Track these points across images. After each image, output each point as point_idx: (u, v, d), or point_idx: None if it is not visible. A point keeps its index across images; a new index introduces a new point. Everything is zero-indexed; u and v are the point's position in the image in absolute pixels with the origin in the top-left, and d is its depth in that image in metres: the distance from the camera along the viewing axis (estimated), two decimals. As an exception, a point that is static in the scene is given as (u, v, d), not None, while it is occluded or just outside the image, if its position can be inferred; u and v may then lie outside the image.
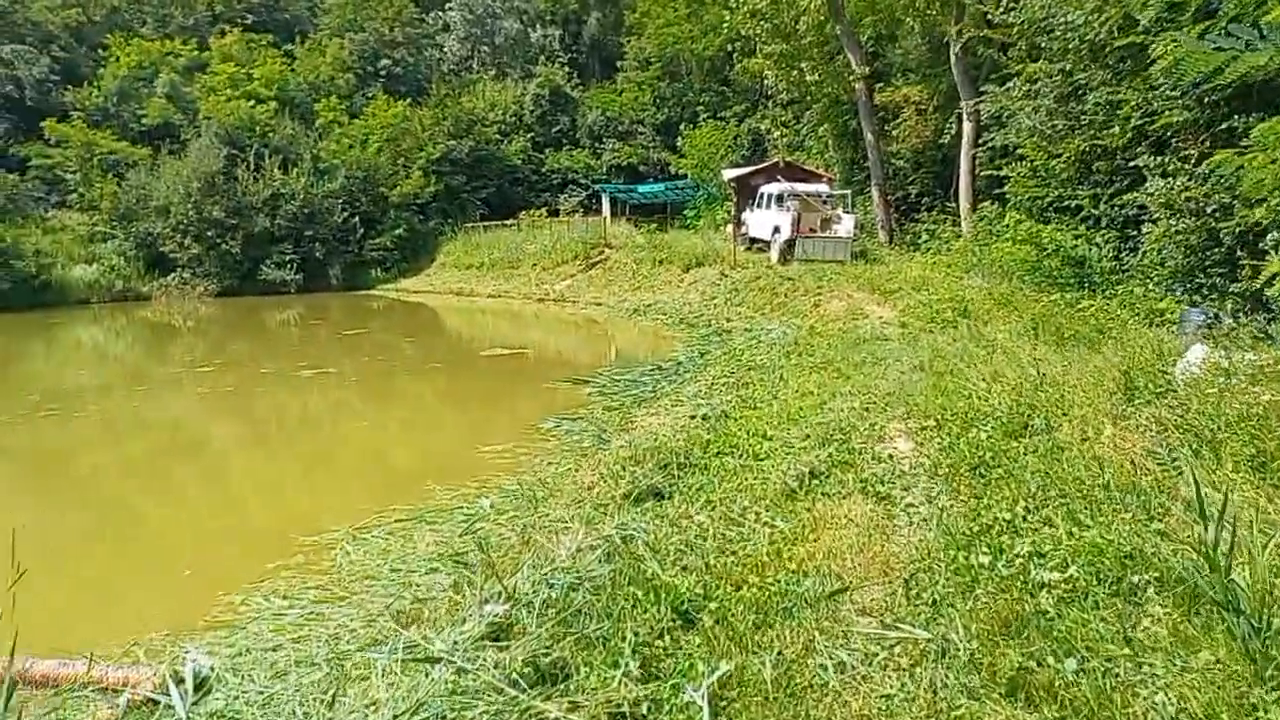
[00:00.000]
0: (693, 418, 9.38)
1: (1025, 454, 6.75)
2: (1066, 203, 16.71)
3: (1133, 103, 14.20)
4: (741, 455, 7.86)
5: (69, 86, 46.72)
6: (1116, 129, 14.67)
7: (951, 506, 5.90)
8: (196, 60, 49.55)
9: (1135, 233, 14.97)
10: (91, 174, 42.45)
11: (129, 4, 53.67)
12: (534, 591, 4.58)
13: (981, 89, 22.29)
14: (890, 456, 7.41)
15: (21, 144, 45.01)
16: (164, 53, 49.16)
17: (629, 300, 27.64)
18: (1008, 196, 19.50)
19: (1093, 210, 16.01)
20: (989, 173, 20.98)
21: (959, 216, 25.24)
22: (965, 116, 24.60)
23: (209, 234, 41.63)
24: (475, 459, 9.61)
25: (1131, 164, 14.97)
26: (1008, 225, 16.77)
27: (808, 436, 8.04)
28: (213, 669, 4.43)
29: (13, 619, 3.98)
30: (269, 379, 18.45)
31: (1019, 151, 18.28)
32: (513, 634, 4.15)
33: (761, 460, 7.64)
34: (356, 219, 44.49)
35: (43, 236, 41.54)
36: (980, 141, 23.32)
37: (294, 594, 5.88)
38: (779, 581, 4.81)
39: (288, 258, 42.73)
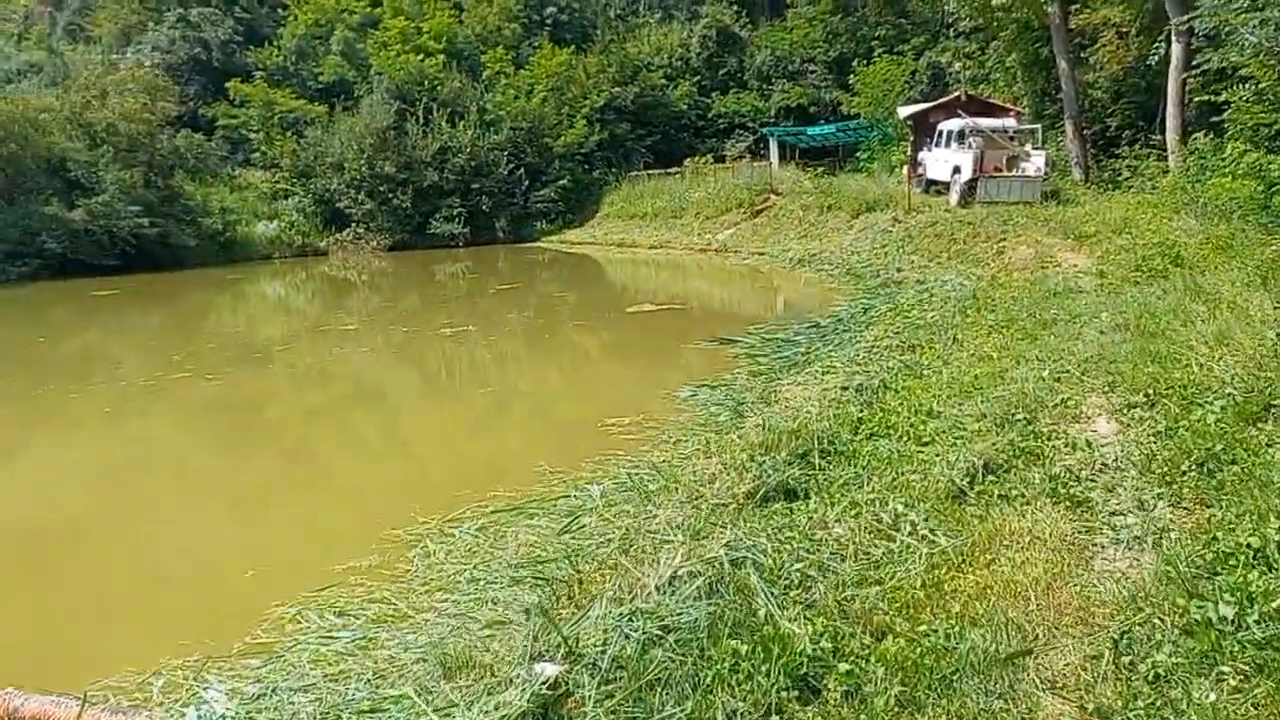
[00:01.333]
0: (845, 389, 8.17)
1: (1271, 446, 5.27)
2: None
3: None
4: (900, 438, 6.66)
5: (251, 47, 48.52)
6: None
7: (1174, 521, 4.57)
8: (370, 16, 50.45)
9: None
10: (273, 132, 44.10)
11: (308, -37, 55.13)
12: (604, 643, 3.63)
13: (1194, 3, 19.47)
14: (1088, 444, 6.04)
15: (209, 105, 47.15)
16: (339, 10, 50.29)
17: (793, 250, 26.18)
18: (1226, 126, 16.94)
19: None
20: (1203, 99, 18.29)
21: (1165, 150, 22.45)
22: (1175, 36, 21.70)
23: (381, 189, 42.65)
24: (599, 433, 8.77)
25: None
26: (1228, 158, 14.39)
27: (983, 416, 6.74)
28: (224, 717, 3.75)
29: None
30: (410, 338, 18.31)
31: (1241, 73, 15.70)
32: (565, 709, 3.24)
33: (924, 446, 6.42)
34: (522, 170, 44.51)
35: (229, 194, 43.62)
36: (1193, 65, 20.47)
37: (353, 608, 5.16)
38: (936, 632, 3.69)
39: (455, 211, 43.27)
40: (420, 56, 46.08)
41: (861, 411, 7.31)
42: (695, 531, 4.90)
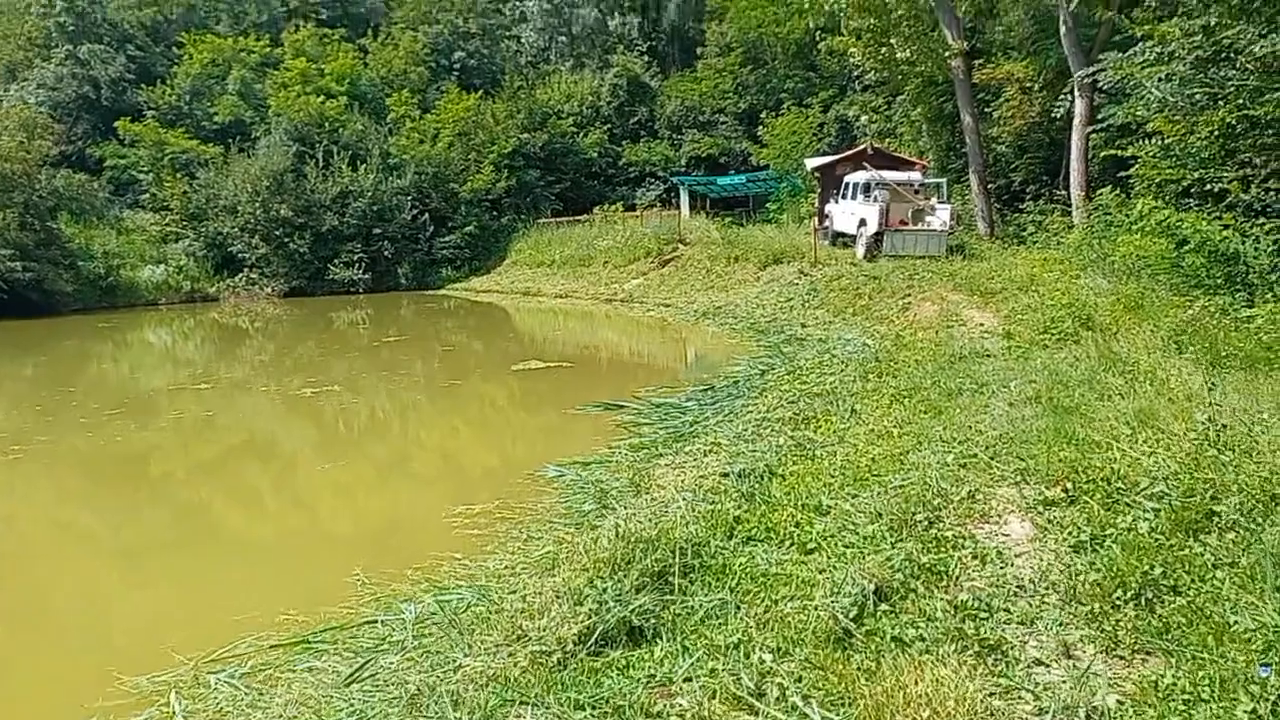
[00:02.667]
0: (726, 474, 7.09)
1: (1218, 568, 4.32)
2: (1209, 187, 13.81)
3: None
4: (781, 543, 5.57)
5: (143, 86, 46.47)
6: (1284, 92, 11.79)
7: (1111, 680, 3.54)
8: (269, 57, 48.90)
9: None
10: (163, 173, 42.00)
11: (205, 1, 53.36)
12: None
13: (1098, 59, 19.35)
14: (999, 555, 5.03)
15: (97, 144, 44.93)
16: (236, 50, 48.64)
17: (699, 302, 25.33)
18: (1132, 181, 16.63)
19: (1242, 195, 13.09)
20: (1108, 154, 18.02)
21: (1069, 205, 22.26)
22: (1078, 91, 21.62)
23: (277, 233, 40.89)
24: (442, 528, 7.51)
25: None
26: (1137, 214, 13.92)
27: (878, 515, 5.70)
28: None
29: None
30: (265, 398, 16.64)
31: (1150, 127, 15.37)
32: None
33: (808, 555, 5.33)
34: (426, 216, 43.21)
35: (115, 237, 41.33)
36: (1097, 120, 20.33)
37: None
38: None
39: (356, 257, 41.66)
40: (321, 98, 44.59)
41: (740, 508, 6.20)
42: (488, 713, 3.68)
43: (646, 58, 53.19)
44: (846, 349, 13.30)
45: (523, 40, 57.16)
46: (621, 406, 11.54)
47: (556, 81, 51.61)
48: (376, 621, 5.51)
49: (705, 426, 9.64)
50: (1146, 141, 15.33)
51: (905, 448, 7.25)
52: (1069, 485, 5.78)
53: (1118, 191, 17.54)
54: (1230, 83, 13.55)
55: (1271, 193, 12.94)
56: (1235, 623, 3.77)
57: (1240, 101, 13.37)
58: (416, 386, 17.35)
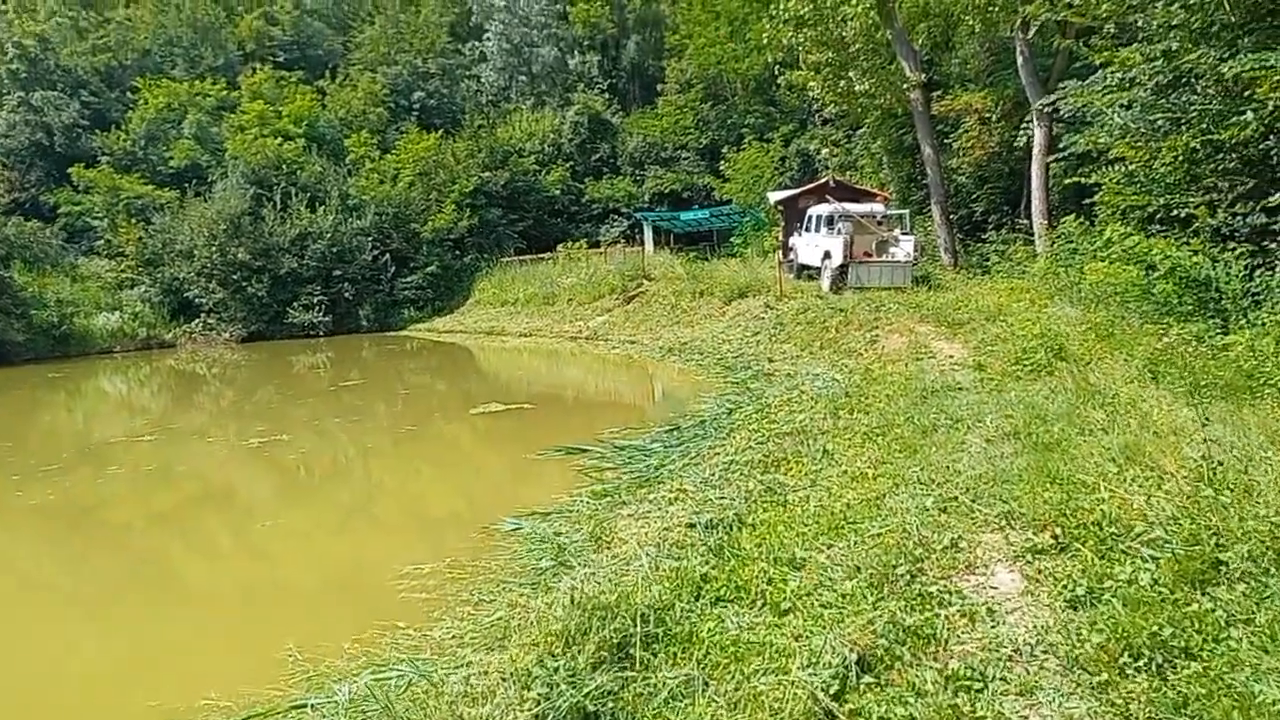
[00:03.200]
0: (692, 525, 6.62)
1: (1232, 625, 3.92)
2: (1175, 212, 13.67)
3: (1274, 80, 11.16)
4: (753, 605, 5.11)
5: (98, 132, 45.71)
6: (1250, 115, 11.63)
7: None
8: (225, 100, 48.40)
9: (1276, 245, 11.96)
10: (118, 219, 41.23)
11: (160, 46, 52.76)
12: None
13: (1057, 87, 19.36)
14: (990, 612, 4.61)
15: (51, 191, 44.09)
16: (192, 94, 48.10)
17: (664, 338, 24.96)
18: (1096, 209, 16.51)
19: (1209, 220, 12.95)
20: (1071, 182, 17.95)
21: (1032, 234, 22.20)
22: (1037, 121, 21.64)
23: (234, 277, 40.22)
24: (386, 593, 6.98)
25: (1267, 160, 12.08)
26: (1105, 240, 13.74)
27: (857, 569, 5.26)
28: None
29: None
30: (206, 450, 15.94)
31: (1112, 153, 15.27)
32: None
33: (782, 617, 4.88)
34: (387, 257, 42.76)
35: (70, 285, 40.37)
36: (1058, 148, 20.33)
37: None
38: None
39: (316, 299, 41.00)
40: (279, 140, 44.09)
41: (707, 563, 5.74)
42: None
43: (607, 95, 53.30)
44: (815, 384, 12.92)
45: (483, 80, 57.10)
46: (584, 451, 11.06)
47: (517, 120, 51.50)
48: (306, 705, 4.97)
49: (671, 470, 9.18)
50: (1110, 168, 15.22)
51: (881, 490, 6.84)
52: (1058, 531, 5.40)
53: (1081, 219, 17.43)
54: (1193, 108, 13.46)
55: (1238, 217, 12.79)
56: (1260, 694, 3.37)
57: (1204, 126, 13.27)
58: (373, 433, 16.67)
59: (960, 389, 10.71)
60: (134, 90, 48.59)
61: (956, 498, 6.33)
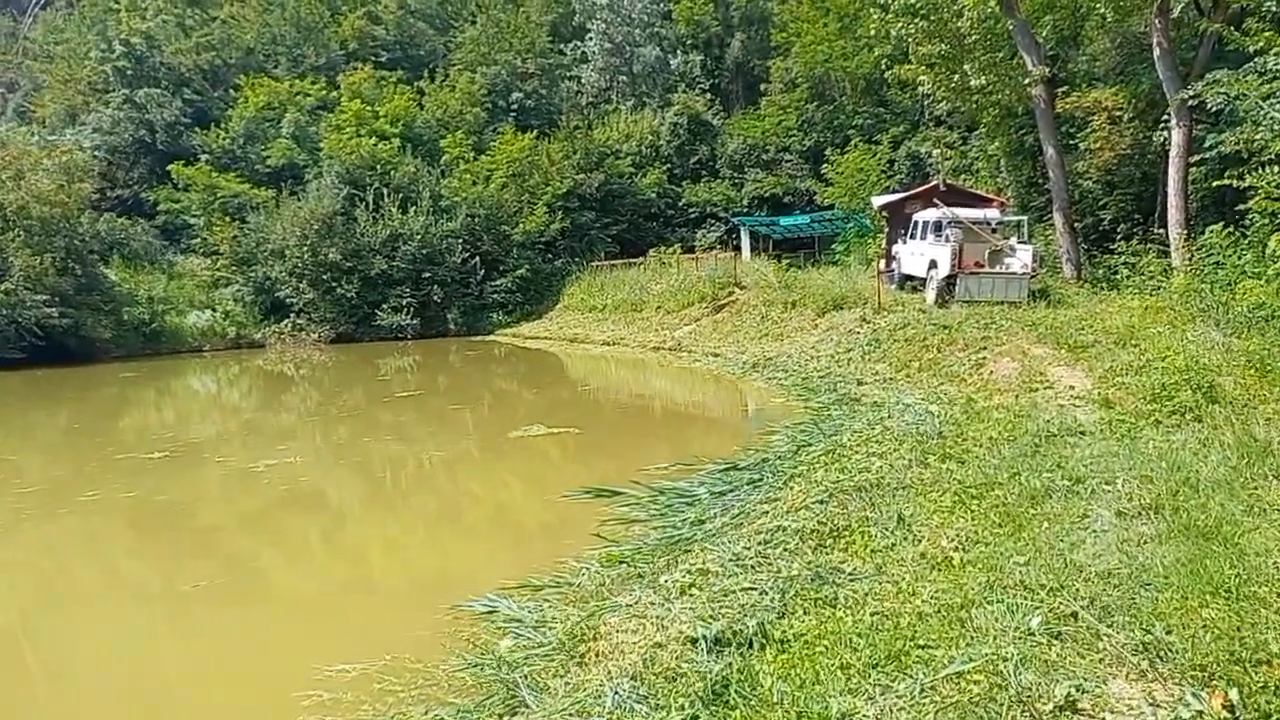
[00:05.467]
0: (693, 640, 4.88)
1: None
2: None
3: None
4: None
5: (199, 129, 46.23)
6: None
7: None
8: (325, 100, 48.38)
9: None
10: (214, 217, 41.43)
11: (264, 45, 53.22)
12: None
13: (1199, 81, 16.92)
14: None
15: (152, 189, 44.73)
16: (292, 93, 48.26)
17: (749, 352, 23.13)
18: (1251, 217, 14.12)
19: (1401, 232, 10.59)
20: (1217, 185, 15.47)
21: (1167, 246, 19.66)
22: (1175, 119, 19.12)
23: (324, 277, 39.95)
24: (279, 715, 5.43)
25: None
26: (1270, 253, 11.43)
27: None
28: None
29: None
30: (214, 471, 14.51)
31: (1271, 152, 12.90)
32: None
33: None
34: (477, 259, 41.84)
35: (167, 282, 40.78)
36: (1203, 148, 17.85)
37: None
38: None
39: (405, 301, 40.43)
40: (374, 140, 43.79)
41: (702, 709, 4.08)
42: None
43: (709, 95, 51.55)
44: (905, 418, 11.01)
45: (583, 80, 56.05)
46: (616, 494, 9.40)
47: (615, 121, 50.22)
48: None
49: (706, 530, 7.47)
50: (1267, 170, 12.83)
51: (969, 591, 5.03)
52: (1232, 696, 3.55)
53: (1230, 229, 15.00)
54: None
55: None
56: None
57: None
58: (398, 458, 14.92)
59: (1082, 434, 8.72)
60: (235, 88, 48.95)
61: (1075, 614, 4.50)
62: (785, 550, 6.28)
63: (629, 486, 9.50)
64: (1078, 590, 4.87)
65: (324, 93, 48.72)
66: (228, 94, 49.32)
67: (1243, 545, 5.01)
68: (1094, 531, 5.78)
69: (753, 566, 6.07)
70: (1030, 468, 7.41)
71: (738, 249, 40.33)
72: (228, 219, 41.40)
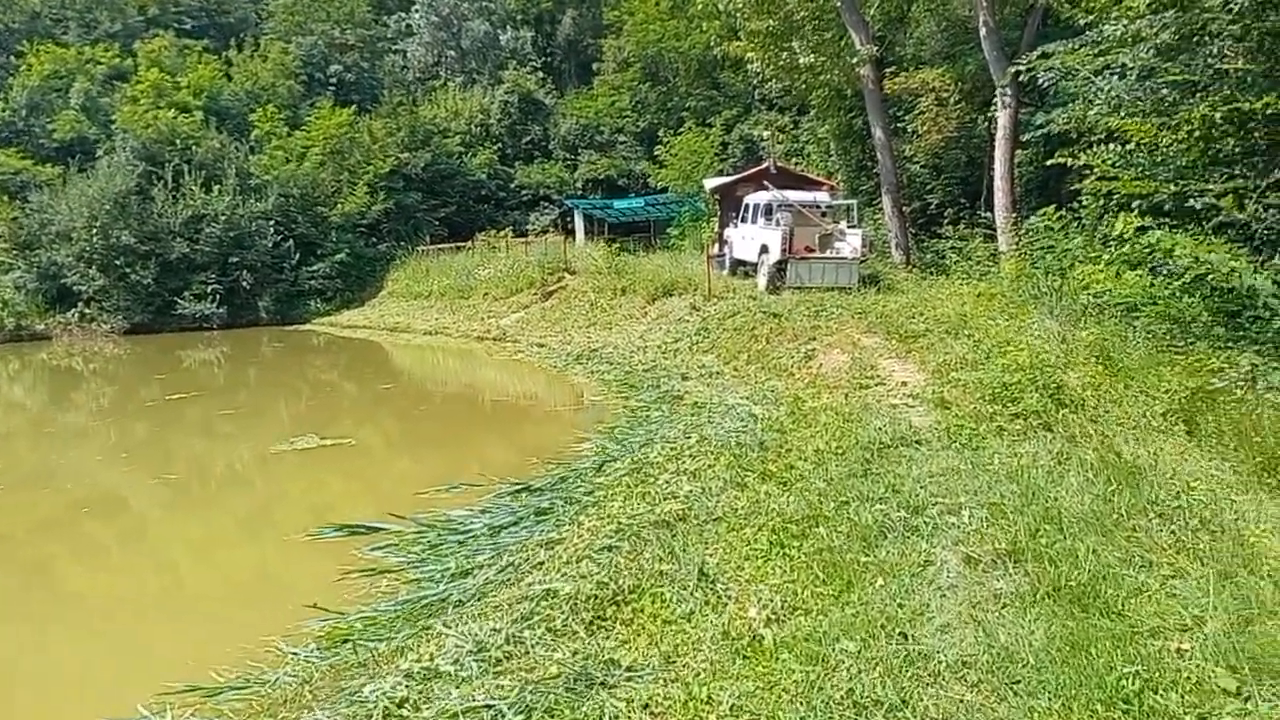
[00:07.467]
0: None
1: None
2: (1190, 203, 10.65)
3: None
4: None
5: (-23, 100, 41.18)
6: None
7: None
8: (119, 68, 43.92)
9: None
10: (-8, 197, 36.88)
11: (51, 8, 47.96)
12: None
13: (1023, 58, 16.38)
14: None
15: (-76, 166, 39.54)
16: (82, 60, 43.60)
17: (575, 341, 21.64)
18: (1083, 198, 13.55)
19: (1236, 213, 9.93)
20: (1039, 167, 14.89)
21: (993, 229, 19.30)
22: (1001, 99, 18.68)
23: (117, 262, 35.91)
24: None
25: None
26: (1118, 236, 10.61)
27: None
28: None
29: None
30: None
31: (1104, 129, 12.24)
32: None
33: None
34: (291, 242, 38.64)
35: (-59, 271, 36.04)
36: (1033, 126, 17.44)
37: None
38: None
39: (210, 288, 36.92)
40: (174, 113, 39.88)
41: None
42: None
43: (541, 74, 49.65)
44: (726, 422, 9.72)
45: (409, 55, 53.15)
46: (376, 529, 7.68)
47: (443, 98, 47.71)
48: None
49: (466, 588, 5.87)
50: (1102, 148, 12.16)
51: (782, 699, 3.64)
52: None
53: (1061, 212, 14.43)
54: (1212, 68, 10.53)
55: (1271, 210, 9.87)
56: None
57: (1225, 93, 10.34)
58: (79, 504, 10.82)
59: (918, 443, 7.57)
60: (19, 55, 43.99)
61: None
62: (549, 630, 4.74)
63: (393, 520, 7.75)
64: (925, 686, 3.55)
65: (119, 61, 44.25)
66: (10, 61, 44.12)
67: (1130, 617, 3.81)
68: (940, 589, 4.52)
69: (500, 660, 4.50)
70: (861, 494, 6.15)
71: (572, 233, 38.82)
72: (7, 198, 36.90)
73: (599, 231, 39.73)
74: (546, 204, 44.55)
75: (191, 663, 5.45)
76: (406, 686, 4.34)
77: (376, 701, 4.23)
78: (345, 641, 5.36)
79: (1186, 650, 3.44)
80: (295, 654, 5.34)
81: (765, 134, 35.52)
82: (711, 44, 32.05)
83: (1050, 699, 3.35)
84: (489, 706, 3.94)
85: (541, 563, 5.99)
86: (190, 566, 8.74)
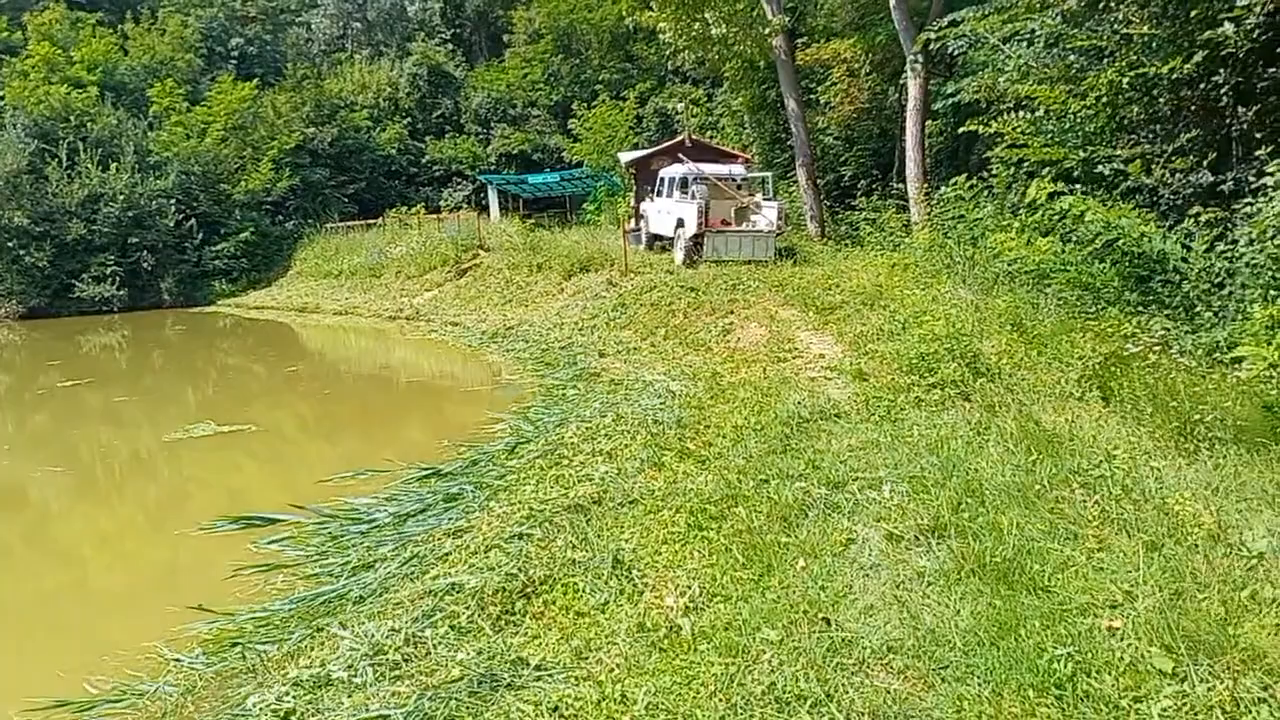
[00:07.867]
0: None
1: None
2: (1099, 169, 10.71)
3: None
4: None
5: None
6: (1229, 29, 8.66)
7: None
8: (7, 42, 41.55)
9: (1228, 214, 9.06)
10: None
11: (-73, -24, 45.10)
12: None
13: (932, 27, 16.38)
14: None
15: None
16: (-33, 34, 41.20)
17: (490, 319, 21.18)
18: (992, 166, 13.60)
19: (1143, 178, 10.00)
20: (964, 131, 14.86)
21: (906, 201, 19.39)
22: (911, 69, 18.69)
23: (10, 245, 34.24)
24: None
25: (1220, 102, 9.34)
26: (1029, 203, 10.63)
27: None
28: None
29: None
30: None
31: (1017, 94, 12.26)
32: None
33: None
34: (193, 221, 37.25)
35: None
36: (943, 94, 17.51)
37: None
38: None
39: (109, 270, 35.35)
40: (68, 89, 37.92)
41: None
42: None
43: (450, 46, 48.51)
44: (643, 399, 9.48)
45: (313, 27, 51.43)
46: (274, 520, 7.25)
47: (349, 71, 46.34)
48: None
49: (366, 583, 5.53)
50: (1012, 115, 12.17)
51: (702, 688, 3.42)
52: None
53: (972, 181, 14.48)
54: (1117, 33, 10.56)
55: (1176, 174, 9.94)
56: None
57: (1131, 58, 10.37)
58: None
59: (837, 416, 7.43)
60: (-107, 27, 41.35)
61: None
62: (453, 628, 4.44)
63: (293, 511, 7.32)
64: (850, 681, 3.35)
65: (7, 35, 41.87)
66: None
67: (1058, 594, 3.67)
68: (863, 569, 4.35)
69: (398, 664, 4.18)
70: (781, 471, 5.96)
71: (486, 209, 38.10)
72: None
73: (513, 207, 39.05)
74: (459, 180, 43.72)
75: (63, 674, 5.00)
76: (294, 696, 4.00)
77: (260, 714, 3.88)
78: (234, 645, 4.98)
79: (1118, 628, 3.30)
80: (179, 660, 4.94)
81: (679, 107, 35.32)
82: (624, 15, 31.52)
83: (979, 685, 3.19)
84: (383, 717, 3.63)
85: (448, 554, 5.67)
86: (69, 567, 8.08)
